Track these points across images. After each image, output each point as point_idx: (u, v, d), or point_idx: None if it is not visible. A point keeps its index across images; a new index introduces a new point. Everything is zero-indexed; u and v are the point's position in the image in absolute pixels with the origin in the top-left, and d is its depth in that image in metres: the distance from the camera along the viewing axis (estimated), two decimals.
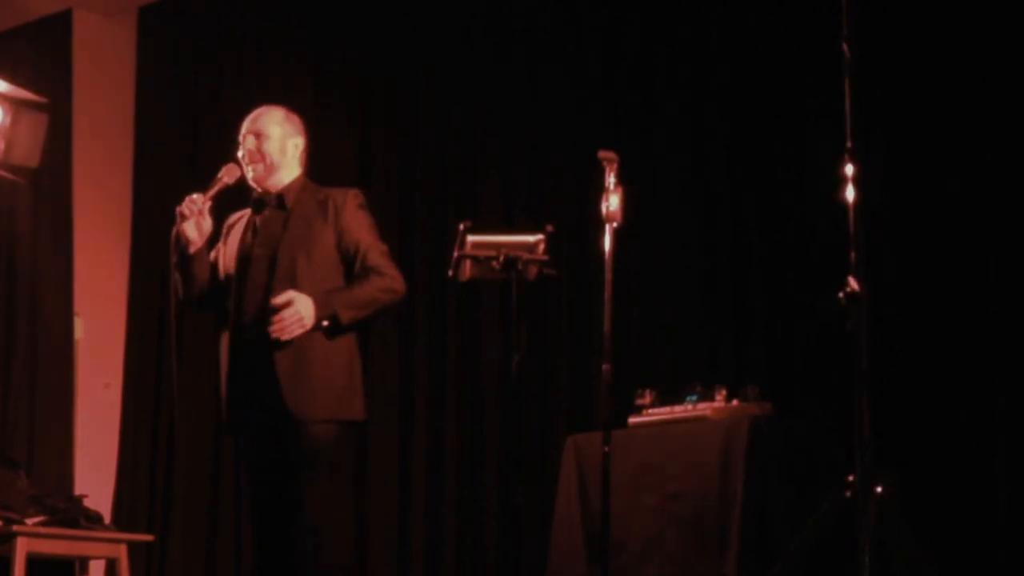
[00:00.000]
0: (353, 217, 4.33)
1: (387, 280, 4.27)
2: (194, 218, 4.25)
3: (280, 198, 4.37)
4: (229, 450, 6.76)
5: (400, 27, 6.52)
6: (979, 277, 4.72)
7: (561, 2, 6.04)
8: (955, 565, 4.44)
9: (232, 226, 4.48)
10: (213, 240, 4.40)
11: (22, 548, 5.26)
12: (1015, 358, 4.61)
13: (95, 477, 7.02)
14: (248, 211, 4.46)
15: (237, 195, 4.49)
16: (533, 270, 4.21)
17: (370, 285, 4.24)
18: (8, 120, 6.68)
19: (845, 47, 3.45)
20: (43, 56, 7.53)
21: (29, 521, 5.41)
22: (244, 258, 4.33)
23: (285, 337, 4.10)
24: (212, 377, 4.48)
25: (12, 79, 6.82)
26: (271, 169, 4.36)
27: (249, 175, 4.38)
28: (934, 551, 4.19)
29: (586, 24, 5.95)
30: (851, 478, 3.38)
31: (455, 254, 4.21)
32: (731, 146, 5.43)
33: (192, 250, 4.29)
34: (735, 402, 4.70)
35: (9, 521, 5.34)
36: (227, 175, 4.35)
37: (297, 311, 4.10)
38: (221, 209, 4.46)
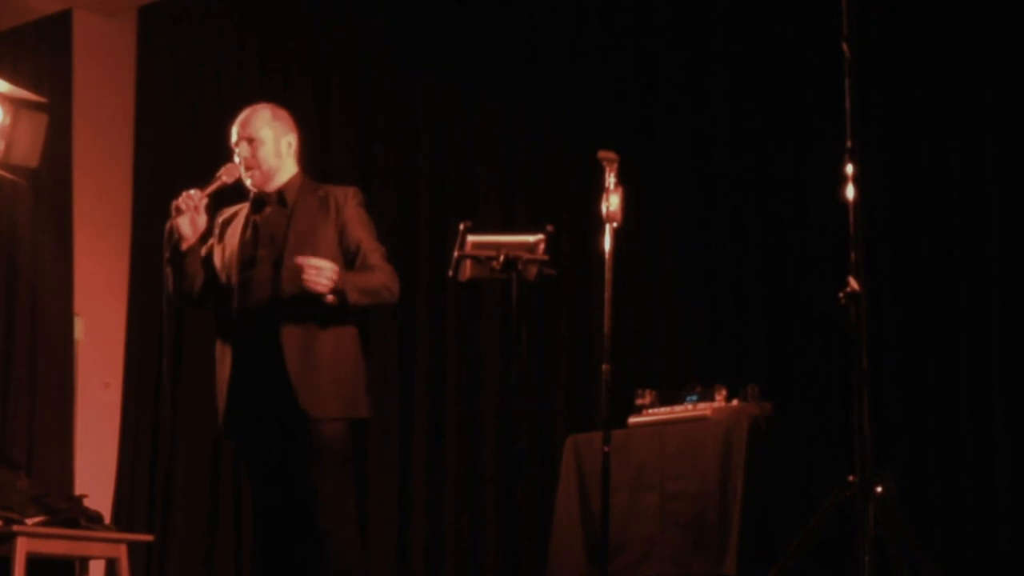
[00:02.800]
0: (354, 214, 4.31)
1: (388, 279, 4.26)
2: (189, 213, 4.21)
3: (280, 196, 4.33)
4: (229, 451, 6.76)
5: (400, 26, 6.51)
6: (979, 277, 4.72)
7: (561, 2, 6.04)
8: (955, 565, 4.44)
9: (227, 222, 4.42)
10: (205, 236, 4.37)
11: (22, 548, 5.25)
12: (1014, 358, 4.61)
13: (95, 477, 7.01)
14: (241, 207, 4.41)
15: (233, 190, 4.44)
16: (533, 270, 4.20)
17: (375, 277, 4.23)
18: (8, 120, 6.67)
19: (845, 47, 3.46)
20: (43, 56, 7.53)
21: (29, 521, 5.40)
22: (248, 260, 4.28)
23: (320, 289, 4.04)
24: (209, 380, 4.44)
25: (12, 79, 6.82)
26: (268, 175, 4.32)
27: (247, 181, 4.34)
28: (934, 551, 4.20)
29: (586, 24, 5.94)
30: (851, 478, 3.39)
31: (455, 254, 4.20)
32: (731, 146, 5.43)
33: (184, 246, 4.26)
34: (735, 402, 4.70)
35: (9, 521, 5.33)
36: (227, 174, 4.32)
37: (320, 263, 4.06)
38: (215, 203, 4.40)
